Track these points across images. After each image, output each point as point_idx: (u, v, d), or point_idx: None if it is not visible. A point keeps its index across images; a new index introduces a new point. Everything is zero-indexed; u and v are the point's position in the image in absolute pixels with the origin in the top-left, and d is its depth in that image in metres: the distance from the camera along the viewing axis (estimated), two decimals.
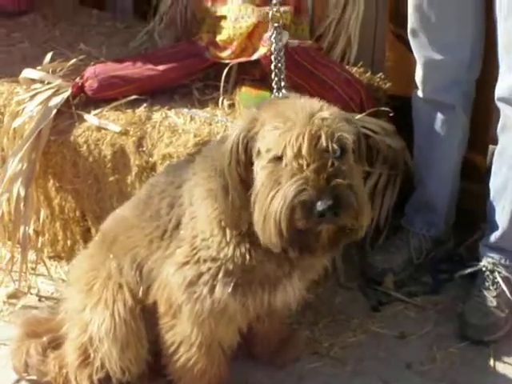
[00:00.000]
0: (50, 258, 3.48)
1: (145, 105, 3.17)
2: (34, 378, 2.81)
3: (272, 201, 2.11)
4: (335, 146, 2.11)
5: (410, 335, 3.08)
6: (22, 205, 3.14)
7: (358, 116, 3.15)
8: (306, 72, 3.12)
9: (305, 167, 2.07)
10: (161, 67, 3.20)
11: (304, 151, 2.07)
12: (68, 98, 3.15)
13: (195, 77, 3.27)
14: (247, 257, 2.35)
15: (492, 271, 3.13)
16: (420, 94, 3.20)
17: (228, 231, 2.35)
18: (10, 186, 3.13)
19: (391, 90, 3.53)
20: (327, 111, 2.19)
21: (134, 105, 3.20)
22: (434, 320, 3.15)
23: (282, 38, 2.65)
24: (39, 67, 3.30)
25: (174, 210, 2.51)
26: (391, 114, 3.30)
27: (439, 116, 3.18)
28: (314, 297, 3.19)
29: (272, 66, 2.69)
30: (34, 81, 3.27)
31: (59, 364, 2.78)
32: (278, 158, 2.12)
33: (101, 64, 3.29)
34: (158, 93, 3.24)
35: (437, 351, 2.98)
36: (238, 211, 2.26)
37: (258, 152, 2.18)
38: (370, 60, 3.55)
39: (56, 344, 2.84)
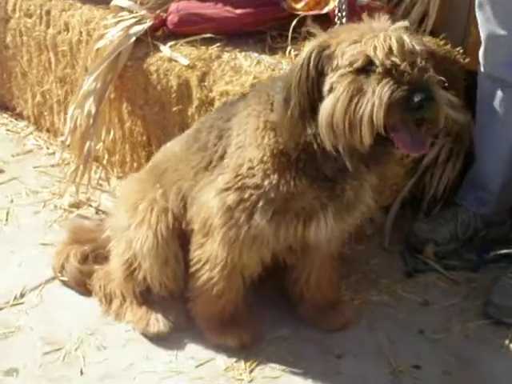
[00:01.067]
0: (118, 177, 3.90)
1: (218, 44, 3.45)
2: (66, 279, 3.23)
3: (357, 106, 2.31)
4: (420, 47, 2.37)
5: (434, 304, 3.23)
6: (91, 121, 3.56)
7: None
8: None
9: (399, 65, 2.27)
10: (238, 11, 3.46)
11: (395, 50, 2.29)
12: (149, 28, 3.52)
13: (270, 24, 3.49)
14: (292, 184, 2.58)
15: None
16: (481, 68, 3.31)
17: (277, 159, 2.58)
18: (82, 102, 3.51)
19: (469, 66, 3.63)
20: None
21: (209, 43, 3.47)
22: (464, 295, 3.28)
23: None
24: None
25: (221, 142, 2.77)
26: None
27: (498, 93, 3.26)
28: (352, 252, 3.51)
29: (335, 19, 2.99)
30: (123, 9, 3.64)
31: (104, 281, 3.15)
32: (360, 70, 2.32)
33: (185, 1, 3.57)
34: (235, 35, 3.52)
35: (454, 324, 3.12)
36: (296, 125, 2.47)
37: (336, 67, 2.37)
38: (453, 32, 3.69)
39: (96, 255, 3.23)
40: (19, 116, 4.54)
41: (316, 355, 2.96)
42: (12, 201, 3.79)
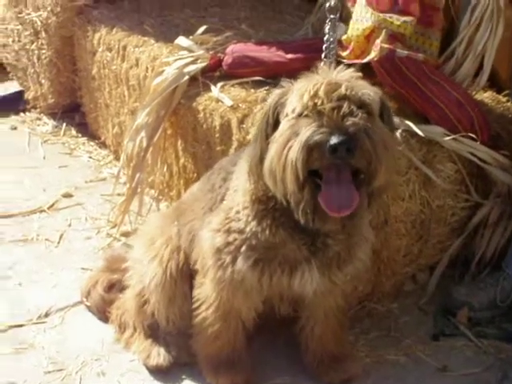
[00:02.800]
0: None
1: (267, 87, 3.56)
2: (89, 305, 3.42)
3: (289, 150, 2.39)
4: (354, 94, 2.40)
5: (451, 371, 3.14)
6: (141, 154, 3.77)
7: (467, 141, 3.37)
8: (411, 84, 3.28)
9: (319, 106, 2.35)
10: (289, 56, 3.56)
11: (321, 92, 2.38)
12: (203, 68, 3.67)
13: None
14: (267, 232, 2.66)
15: None
16: None
17: (255, 205, 2.67)
18: (135, 136, 3.72)
19: None
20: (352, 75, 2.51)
21: (259, 86, 3.59)
22: (487, 365, 3.17)
23: (336, 30, 2.93)
24: (191, 37, 3.85)
25: (225, 184, 2.90)
26: None
27: None
28: (383, 309, 3.50)
29: (322, 55, 3.00)
30: (184, 48, 3.84)
31: (121, 311, 3.31)
32: (300, 115, 2.41)
33: (242, 43, 3.73)
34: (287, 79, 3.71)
35: None
36: (259, 166, 2.55)
37: (286, 115, 2.47)
38: None
39: (122, 285, 3.35)
40: (103, 145, 4.87)
41: None
42: (70, 225, 4.07)
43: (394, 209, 3.28)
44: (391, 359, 3.22)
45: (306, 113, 2.37)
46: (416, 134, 3.25)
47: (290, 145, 2.37)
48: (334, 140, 2.28)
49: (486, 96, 3.72)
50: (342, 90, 2.37)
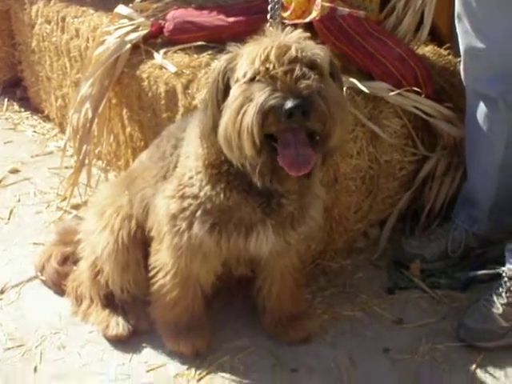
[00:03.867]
0: None
1: (210, 52, 3.53)
2: (44, 279, 3.39)
3: (244, 115, 2.37)
4: (305, 55, 2.38)
5: (408, 323, 3.20)
6: (87, 126, 3.72)
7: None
8: (354, 42, 3.29)
9: (272, 71, 2.33)
10: (230, 19, 3.53)
11: (271, 56, 2.35)
12: (145, 35, 3.63)
13: None
14: (222, 196, 2.65)
15: (510, 278, 3.11)
16: (463, 82, 3.26)
17: (208, 170, 2.66)
18: (79, 107, 3.67)
19: None
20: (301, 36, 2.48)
21: (202, 50, 3.56)
22: (442, 315, 3.23)
23: None
24: (130, 5, 3.79)
25: (177, 151, 2.88)
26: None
27: (482, 107, 3.19)
28: (336, 265, 3.53)
29: (268, 16, 2.94)
30: (124, 17, 3.80)
31: (76, 283, 3.30)
32: (252, 79, 2.39)
33: (182, 9, 3.68)
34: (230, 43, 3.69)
35: (423, 344, 3.07)
36: (210, 137, 2.55)
37: (237, 80, 2.45)
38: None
39: (76, 257, 3.33)
40: (47, 118, 4.81)
41: (269, 368, 2.99)
42: (19, 200, 4.02)
43: (343, 166, 3.30)
44: (348, 315, 3.26)
45: (258, 78, 2.35)
46: (361, 90, 3.26)
47: (244, 110, 2.35)
48: (289, 104, 2.26)
49: (428, 50, 3.75)
50: (293, 53, 2.35)
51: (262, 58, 2.34)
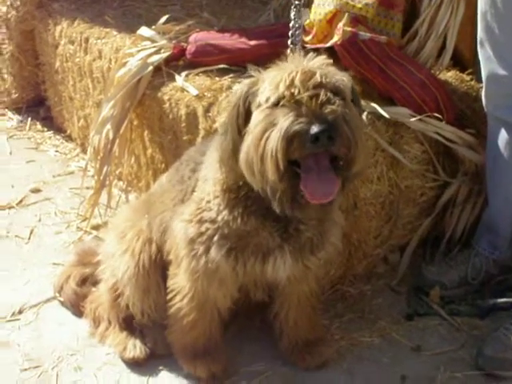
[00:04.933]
0: None
1: (232, 75, 3.56)
2: (62, 300, 3.41)
3: (267, 140, 2.36)
4: (329, 81, 2.38)
5: (426, 350, 3.17)
6: (108, 147, 3.74)
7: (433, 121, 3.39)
8: (375, 67, 3.29)
9: (297, 96, 2.33)
10: (252, 42, 3.55)
11: (296, 81, 2.35)
12: (167, 57, 3.64)
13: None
14: (239, 221, 2.64)
15: None
16: (485, 108, 3.25)
17: (226, 194, 2.66)
18: (101, 128, 3.69)
19: None
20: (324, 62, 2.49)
21: (224, 73, 3.58)
22: (461, 343, 3.20)
23: (302, 16, 2.90)
24: (153, 27, 3.83)
25: (195, 175, 2.88)
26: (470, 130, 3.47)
27: (503, 134, 3.19)
28: (355, 291, 3.51)
29: (289, 42, 2.97)
30: (147, 39, 3.81)
31: (95, 305, 3.30)
32: (276, 105, 2.39)
33: (204, 32, 3.71)
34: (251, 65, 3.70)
35: (442, 372, 3.05)
36: (231, 161, 2.54)
37: (259, 105, 2.44)
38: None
39: (95, 279, 3.34)
40: (69, 138, 4.85)
41: None
42: (40, 220, 4.05)
43: (363, 191, 3.30)
44: (366, 341, 3.24)
45: (282, 102, 2.35)
46: (382, 116, 3.26)
47: (267, 135, 2.34)
48: (315, 129, 2.26)
49: (450, 75, 3.75)
50: (318, 78, 2.35)
51: (287, 82, 2.34)
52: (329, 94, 2.34)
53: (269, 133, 2.34)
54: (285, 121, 2.30)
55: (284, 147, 2.30)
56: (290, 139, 2.30)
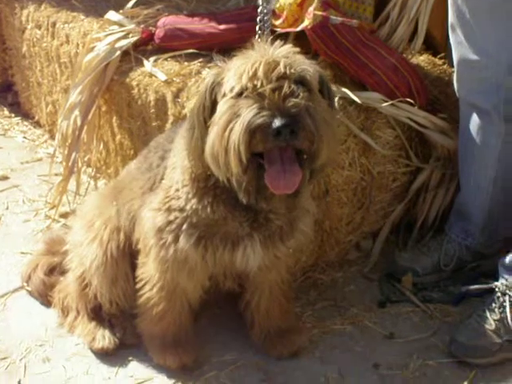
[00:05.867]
0: None
1: (201, 59, 3.49)
2: (30, 289, 3.34)
3: (231, 132, 2.32)
4: (293, 72, 2.33)
5: (399, 338, 3.15)
6: (76, 133, 3.66)
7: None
8: (346, 52, 3.25)
9: (259, 88, 2.28)
10: (221, 26, 3.49)
11: (259, 73, 2.30)
12: (135, 42, 3.58)
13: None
14: (208, 210, 2.60)
15: (503, 293, 3.08)
16: (457, 93, 3.22)
17: (195, 183, 2.61)
18: (68, 114, 3.62)
19: None
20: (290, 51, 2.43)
21: (193, 58, 3.51)
22: (434, 330, 3.19)
23: (270, 1, 2.84)
24: (121, 11, 3.76)
25: (164, 163, 2.84)
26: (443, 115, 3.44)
27: (475, 119, 3.17)
28: (328, 278, 3.48)
29: (257, 28, 2.92)
30: (115, 23, 3.74)
31: (63, 294, 3.24)
32: (240, 95, 2.34)
33: (173, 16, 3.64)
34: (222, 50, 3.49)
35: (414, 360, 3.03)
36: (199, 152, 2.49)
37: (224, 95, 2.40)
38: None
39: (64, 268, 3.27)
40: (38, 124, 4.77)
41: (257, 383, 2.94)
42: (7, 208, 3.98)
43: (335, 177, 3.26)
44: (338, 329, 3.21)
45: (245, 94, 2.30)
46: (353, 101, 3.23)
47: (230, 127, 2.30)
48: (277, 123, 2.22)
49: (422, 59, 3.72)
50: (281, 69, 2.30)
51: (250, 73, 2.30)
52: (293, 85, 2.29)
53: (232, 124, 2.30)
54: (248, 113, 2.26)
55: (246, 140, 2.27)
56: (252, 132, 2.26)
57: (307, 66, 2.38)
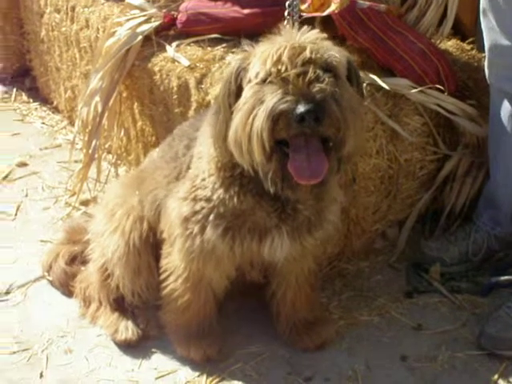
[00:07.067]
0: None
1: (225, 45, 3.43)
2: (51, 279, 3.30)
3: (254, 119, 2.26)
4: (319, 57, 2.27)
5: (427, 329, 3.10)
6: (97, 120, 3.60)
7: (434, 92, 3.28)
8: (374, 36, 3.18)
9: (284, 73, 2.22)
10: (245, 11, 3.41)
11: (284, 57, 2.24)
12: (157, 27, 3.53)
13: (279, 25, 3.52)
14: (235, 200, 2.54)
15: None
16: (488, 79, 3.14)
17: (221, 172, 2.55)
18: (89, 100, 3.56)
19: None
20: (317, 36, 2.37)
21: (216, 43, 3.45)
22: (463, 321, 3.13)
23: None
24: None
25: (190, 152, 2.78)
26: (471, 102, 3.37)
27: (505, 106, 3.09)
28: (353, 268, 3.43)
29: (285, 13, 2.84)
30: (136, 7, 3.67)
31: (84, 284, 3.20)
32: (264, 80, 2.28)
33: (196, 0, 3.55)
34: (246, 35, 3.54)
35: (443, 352, 2.98)
36: (225, 139, 2.42)
37: (249, 80, 2.34)
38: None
39: (85, 257, 3.23)
40: (56, 110, 4.71)
41: (283, 375, 2.90)
42: (26, 195, 3.93)
43: (362, 166, 3.20)
44: (365, 320, 3.16)
45: (269, 79, 2.24)
46: (381, 87, 3.15)
47: (254, 113, 2.24)
48: (300, 109, 2.15)
49: (450, 45, 3.63)
50: (307, 54, 2.23)
51: (274, 58, 2.24)
52: (318, 71, 2.22)
53: (256, 111, 2.24)
54: (271, 99, 2.20)
55: (270, 127, 2.21)
56: (275, 118, 2.20)
57: (334, 52, 2.31)
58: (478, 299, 3.25)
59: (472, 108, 3.33)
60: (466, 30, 3.71)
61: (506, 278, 3.21)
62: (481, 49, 3.40)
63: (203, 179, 2.62)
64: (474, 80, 3.46)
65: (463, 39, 3.69)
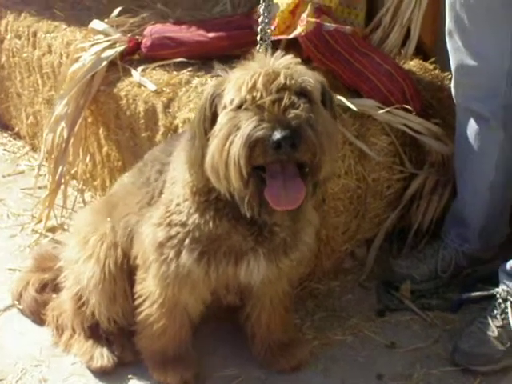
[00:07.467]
0: None
1: (191, 68, 3.44)
2: (22, 308, 3.25)
3: (231, 145, 2.25)
4: (294, 83, 2.27)
5: (401, 347, 3.12)
6: (63, 146, 3.59)
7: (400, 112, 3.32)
8: (340, 58, 3.22)
9: (259, 100, 2.22)
10: (210, 34, 3.44)
11: (259, 84, 2.24)
12: (122, 51, 3.51)
13: (245, 49, 3.47)
14: (211, 224, 2.54)
15: (505, 300, 3.07)
16: (454, 99, 3.19)
17: (196, 197, 2.55)
18: (54, 127, 3.55)
19: None
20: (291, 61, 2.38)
21: (182, 67, 3.46)
22: (435, 338, 3.16)
23: (271, 10, 2.78)
24: (106, 20, 3.67)
25: (162, 177, 2.77)
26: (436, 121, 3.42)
27: (473, 125, 3.14)
28: (324, 287, 3.43)
29: (258, 38, 2.85)
30: (100, 32, 3.66)
31: (57, 312, 3.16)
32: (239, 107, 2.28)
33: (160, 24, 3.58)
34: (211, 59, 3.43)
35: (418, 369, 3.00)
36: (200, 165, 2.42)
37: (224, 107, 2.34)
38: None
39: (56, 284, 3.20)
40: (17, 136, 4.66)
41: None
42: None
43: (331, 186, 3.21)
44: (339, 340, 3.17)
45: (245, 106, 2.25)
46: (348, 108, 3.18)
47: (231, 140, 2.24)
48: (276, 135, 2.15)
49: (413, 64, 3.69)
50: (281, 80, 2.24)
51: (249, 85, 2.24)
52: (293, 97, 2.23)
53: (232, 137, 2.24)
54: (247, 126, 2.20)
55: (246, 154, 2.21)
56: (252, 145, 2.20)
57: (308, 77, 2.33)
58: (449, 316, 3.29)
59: (437, 127, 3.39)
60: (428, 49, 3.77)
61: (478, 293, 3.24)
62: (443, 68, 3.47)
63: (178, 204, 2.62)
64: (437, 99, 3.52)
65: (425, 59, 3.74)
